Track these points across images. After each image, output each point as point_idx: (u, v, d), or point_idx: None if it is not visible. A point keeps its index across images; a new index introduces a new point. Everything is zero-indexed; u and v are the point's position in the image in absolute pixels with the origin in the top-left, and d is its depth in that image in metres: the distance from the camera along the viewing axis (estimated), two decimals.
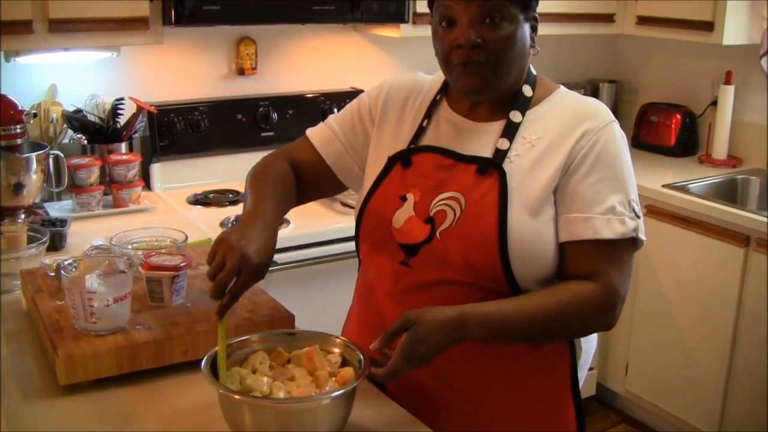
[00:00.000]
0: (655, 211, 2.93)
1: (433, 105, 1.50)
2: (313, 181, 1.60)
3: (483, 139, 1.43)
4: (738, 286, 2.68)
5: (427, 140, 1.48)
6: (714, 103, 3.33)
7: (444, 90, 1.52)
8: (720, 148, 3.29)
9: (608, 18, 3.31)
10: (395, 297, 1.43)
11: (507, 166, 1.38)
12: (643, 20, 3.25)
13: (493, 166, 1.38)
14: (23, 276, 1.68)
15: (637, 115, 3.59)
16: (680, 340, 2.91)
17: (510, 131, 1.41)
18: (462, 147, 1.43)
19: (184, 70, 2.81)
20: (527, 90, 1.44)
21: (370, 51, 3.16)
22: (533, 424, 1.46)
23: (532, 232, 1.35)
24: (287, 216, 2.44)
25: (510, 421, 1.45)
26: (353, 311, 1.59)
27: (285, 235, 2.33)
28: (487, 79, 1.36)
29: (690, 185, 2.97)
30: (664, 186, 2.93)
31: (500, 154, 1.39)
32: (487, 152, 1.40)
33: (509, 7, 1.34)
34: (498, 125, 1.43)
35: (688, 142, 3.44)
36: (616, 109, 3.68)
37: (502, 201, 1.35)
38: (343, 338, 1.34)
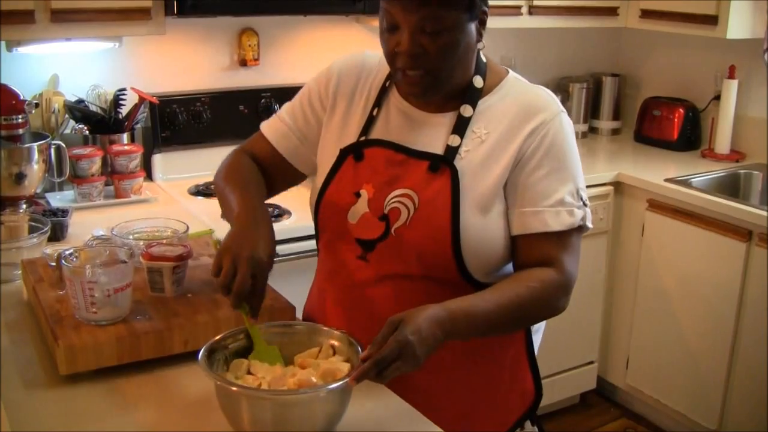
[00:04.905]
0: (657, 205, 2.93)
1: (383, 92, 1.51)
2: (276, 175, 1.61)
3: (434, 132, 1.44)
4: (739, 281, 2.68)
5: (378, 132, 1.48)
6: (717, 98, 3.32)
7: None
8: (723, 142, 3.28)
9: (612, 11, 3.30)
10: (355, 289, 1.47)
11: (458, 162, 1.40)
12: (646, 14, 3.24)
13: (444, 163, 1.40)
14: (24, 266, 1.68)
15: (639, 109, 3.59)
16: (681, 334, 2.91)
17: (461, 126, 1.43)
18: (413, 141, 1.45)
19: (187, 60, 2.80)
20: (478, 81, 1.45)
21: (372, 43, 3.13)
22: (493, 392, 1.52)
23: (483, 228, 1.39)
24: (288, 207, 2.45)
25: (467, 388, 1.49)
26: (314, 297, 1.61)
27: (286, 227, 2.33)
28: (428, 85, 1.38)
29: (692, 179, 2.96)
30: (666, 180, 2.92)
31: (451, 151, 1.41)
32: (438, 147, 1.43)
33: (452, 15, 1.32)
34: (449, 117, 1.44)
35: (691, 137, 3.44)
36: (618, 103, 3.68)
37: (455, 200, 1.38)
38: (342, 330, 1.34)
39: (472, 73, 1.44)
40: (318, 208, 1.50)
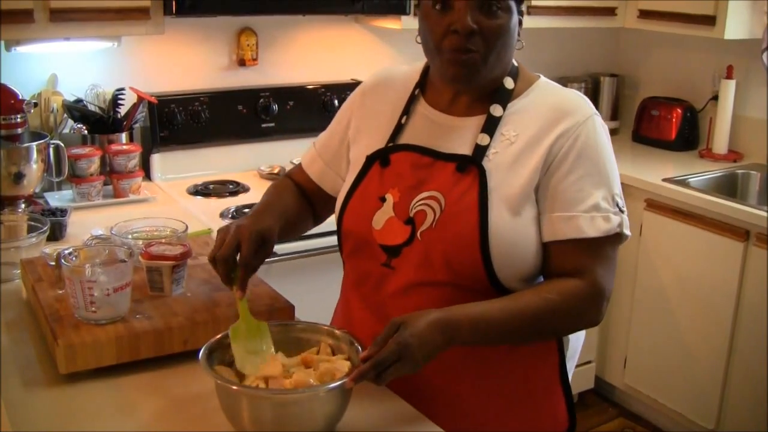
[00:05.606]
0: (655, 205, 2.93)
1: (411, 100, 1.49)
2: (316, 200, 1.63)
3: (461, 136, 1.41)
4: (737, 281, 2.69)
5: (405, 138, 1.46)
6: (715, 98, 3.32)
7: (421, 84, 1.50)
8: (720, 142, 3.29)
9: (610, 11, 3.31)
10: (381, 298, 1.43)
11: (486, 164, 1.37)
12: (644, 14, 3.25)
13: (472, 163, 1.37)
14: (23, 265, 1.68)
15: (637, 109, 3.59)
16: (679, 334, 2.92)
17: (490, 126, 1.39)
18: (440, 144, 1.41)
19: (185, 60, 2.80)
20: (509, 82, 1.42)
21: (371, 42, 3.15)
22: (523, 417, 1.46)
23: (513, 231, 1.34)
24: None
25: (500, 414, 1.45)
26: (340, 308, 1.59)
27: None
28: (478, 68, 1.35)
29: (690, 179, 2.97)
30: (664, 180, 2.93)
31: (480, 151, 1.38)
32: (465, 149, 1.39)
33: None
34: (477, 120, 1.41)
35: (689, 137, 3.44)
36: (617, 104, 3.69)
37: (483, 200, 1.34)
38: (343, 330, 1.34)
39: (507, 71, 1.42)
40: (342, 216, 1.47)
